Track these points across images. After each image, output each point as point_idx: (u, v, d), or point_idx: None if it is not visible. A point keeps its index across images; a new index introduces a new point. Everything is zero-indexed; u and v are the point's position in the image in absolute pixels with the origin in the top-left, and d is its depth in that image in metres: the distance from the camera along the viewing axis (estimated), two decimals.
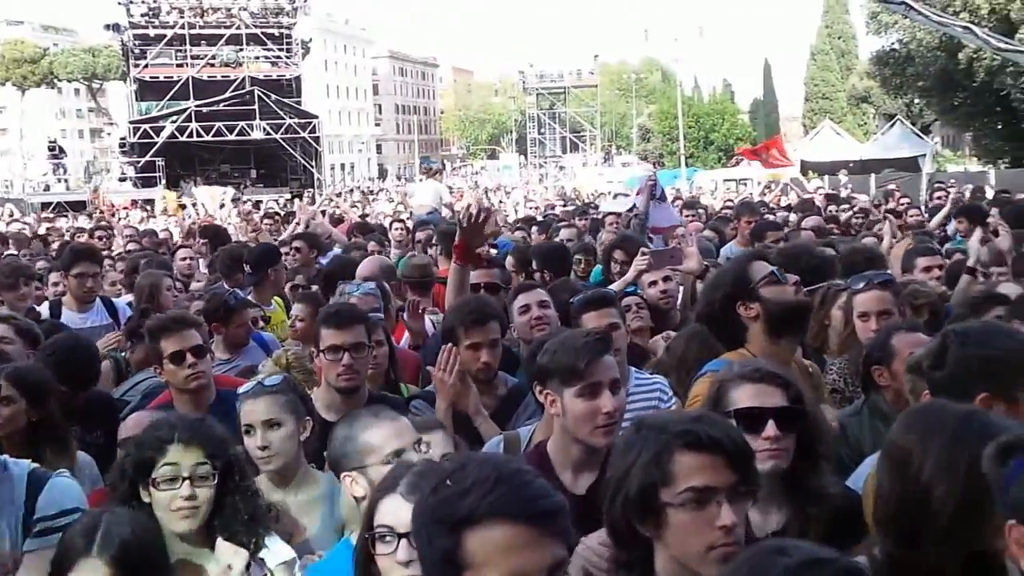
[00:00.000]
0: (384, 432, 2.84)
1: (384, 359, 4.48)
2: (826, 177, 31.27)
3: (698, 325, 4.62)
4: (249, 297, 6.21)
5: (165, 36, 46.08)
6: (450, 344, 3.88)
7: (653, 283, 5.58)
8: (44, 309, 6.26)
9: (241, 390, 3.42)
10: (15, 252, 10.69)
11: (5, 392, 3.32)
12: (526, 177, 62.50)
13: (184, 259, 8.44)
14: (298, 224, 10.92)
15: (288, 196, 35.93)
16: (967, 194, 13.38)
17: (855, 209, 11.57)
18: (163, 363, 4.01)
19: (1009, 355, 2.70)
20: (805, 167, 34.92)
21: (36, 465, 2.82)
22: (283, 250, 7.93)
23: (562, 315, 4.54)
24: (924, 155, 37.13)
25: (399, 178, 76.86)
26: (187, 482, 2.64)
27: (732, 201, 16.52)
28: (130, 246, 10.77)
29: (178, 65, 46.64)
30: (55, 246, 11.96)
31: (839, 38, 73.62)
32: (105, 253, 9.54)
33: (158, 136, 42.67)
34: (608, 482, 2.15)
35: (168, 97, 45.40)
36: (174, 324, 4.08)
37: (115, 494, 2.70)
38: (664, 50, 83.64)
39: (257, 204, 27.40)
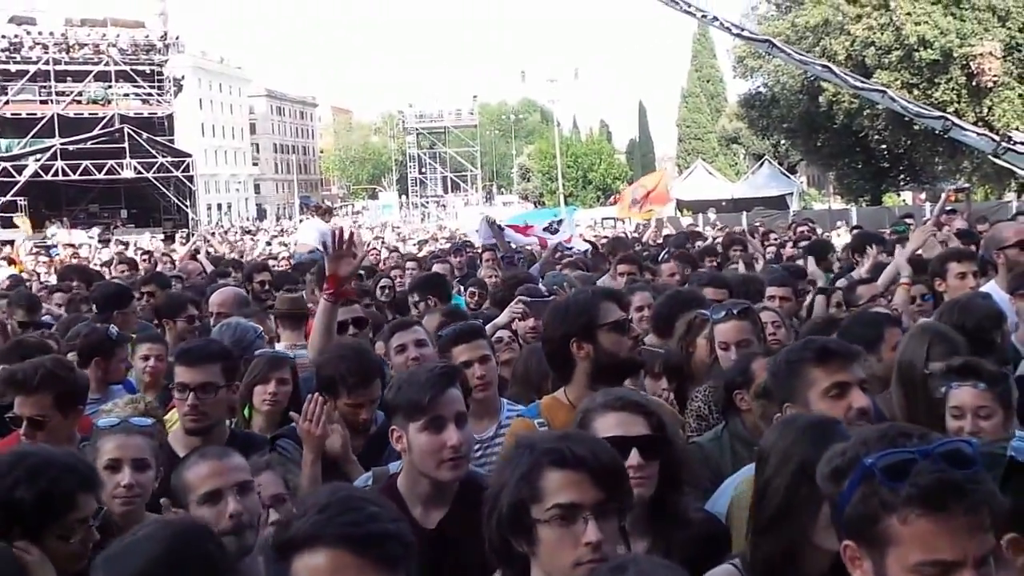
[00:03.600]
0: (201, 471, 2.80)
1: (285, 397, 4.39)
2: (700, 215, 32.27)
3: (536, 346, 4.68)
4: None
5: (28, 72, 44.49)
6: (317, 395, 3.71)
7: (523, 317, 5.61)
8: None
9: (103, 423, 3.28)
10: None
11: None
12: (407, 217, 62.52)
13: (60, 303, 8.16)
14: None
15: (162, 236, 34.95)
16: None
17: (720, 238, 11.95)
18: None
19: (782, 367, 3.00)
20: (680, 205, 36.05)
21: None
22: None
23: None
24: (791, 193, 38.89)
25: (278, 218, 75.65)
26: (92, 528, 2.57)
27: (606, 238, 16.83)
28: None
29: (42, 101, 45.13)
30: None
31: (708, 81, 76.44)
32: None
33: (21, 175, 41.06)
34: (487, 497, 2.16)
35: (31, 134, 43.77)
36: (20, 386, 3.72)
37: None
38: (541, 91, 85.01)
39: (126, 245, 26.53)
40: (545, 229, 12.80)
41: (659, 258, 8.70)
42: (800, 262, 8.60)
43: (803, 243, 9.85)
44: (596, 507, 2.00)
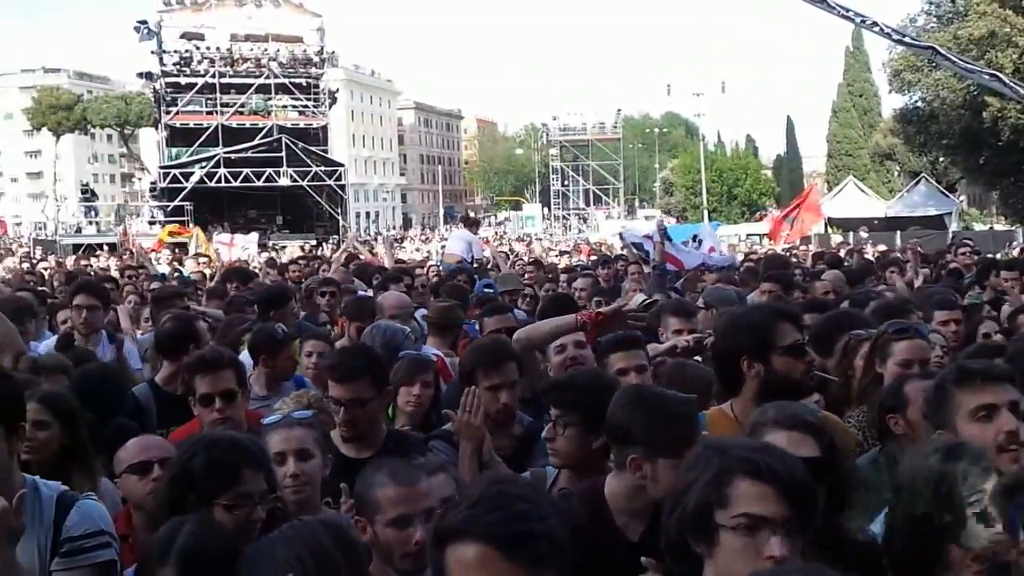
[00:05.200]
0: (391, 495, 2.83)
1: (428, 400, 4.51)
2: (850, 233, 31.23)
3: (681, 360, 4.64)
4: None
5: (196, 84, 46.89)
6: (472, 387, 3.86)
7: (678, 331, 5.57)
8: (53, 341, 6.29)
9: (268, 421, 3.47)
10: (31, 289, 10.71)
11: (40, 417, 3.34)
12: (549, 229, 62.91)
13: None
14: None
15: (313, 242, 36.26)
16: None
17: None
18: (194, 401, 4.03)
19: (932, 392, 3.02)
20: (830, 223, 34.94)
21: (66, 488, 2.85)
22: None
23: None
24: (950, 213, 37.08)
25: (423, 227, 77.42)
26: (259, 507, 2.73)
27: (753, 254, 16.53)
28: (154, 285, 10.89)
29: (208, 113, 47.37)
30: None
31: (861, 96, 73.82)
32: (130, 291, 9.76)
33: (187, 181, 43.24)
34: (670, 496, 2.18)
35: (198, 143, 46.05)
36: (209, 365, 4.07)
37: (168, 513, 2.71)
38: (686, 105, 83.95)
39: (281, 249, 27.69)
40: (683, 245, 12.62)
41: (812, 275, 8.51)
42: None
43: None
44: (783, 522, 1.99)
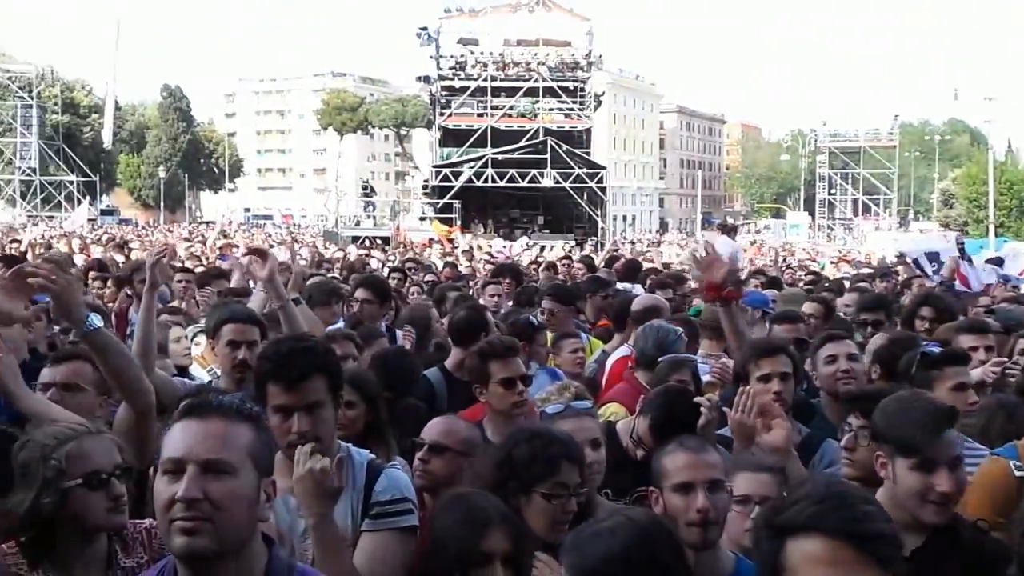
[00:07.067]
0: (678, 461, 2.90)
1: None
2: None
3: (1007, 397, 4.32)
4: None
5: (469, 88, 48.97)
6: (747, 387, 3.81)
7: (972, 349, 5.20)
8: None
9: (551, 410, 3.59)
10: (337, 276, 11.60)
11: (349, 397, 3.60)
12: (813, 238, 60.54)
13: (492, 295, 8.92)
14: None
15: (573, 243, 36.83)
16: None
17: None
18: (489, 385, 4.17)
19: None
20: None
21: (373, 456, 3.08)
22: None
23: (890, 366, 4.43)
24: None
25: (680, 232, 76.78)
26: (573, 498, 2.88)
27: None
28: (428, 278, 11.56)
29: (478, 115, 49.31)
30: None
31: None
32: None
33: (456, 180, 45.15)
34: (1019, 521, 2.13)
35: (468, 144, 48.01)
36: (507, 351, 4.25)
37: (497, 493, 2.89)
38: (974, 110, 77.70)
39: (541, 249, 28.33)
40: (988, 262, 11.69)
41: None
42: None
43: None
44: None
